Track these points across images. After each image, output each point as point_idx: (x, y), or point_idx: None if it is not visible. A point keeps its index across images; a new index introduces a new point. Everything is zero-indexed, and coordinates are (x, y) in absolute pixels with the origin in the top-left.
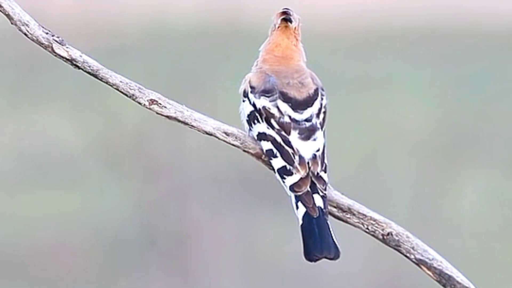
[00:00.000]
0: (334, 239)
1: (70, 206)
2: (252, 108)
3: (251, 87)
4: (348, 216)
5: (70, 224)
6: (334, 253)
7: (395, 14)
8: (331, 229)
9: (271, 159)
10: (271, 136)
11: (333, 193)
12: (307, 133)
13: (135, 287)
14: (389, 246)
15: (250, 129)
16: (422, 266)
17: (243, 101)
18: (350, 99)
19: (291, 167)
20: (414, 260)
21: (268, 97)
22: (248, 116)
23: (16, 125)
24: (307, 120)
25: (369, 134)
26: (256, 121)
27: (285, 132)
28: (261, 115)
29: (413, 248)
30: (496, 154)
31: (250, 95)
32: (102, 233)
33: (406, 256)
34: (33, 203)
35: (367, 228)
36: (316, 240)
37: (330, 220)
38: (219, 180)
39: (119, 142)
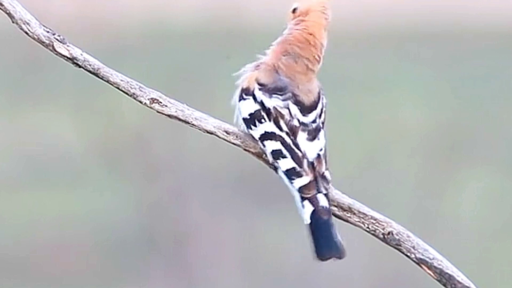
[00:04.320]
0: (339, 238)
1: (70, 206)
2: (257, 107)
3: (260, 84)
4: (348, 215)
5: (70, 224)
6: (341, 253)
7: (395, 14)
8: (336, 228)
9: (278, 159)
10: (280, 136)
11: (334, 192)
12: (313, 134)
13: (135, 287)
14: (390, 245)
15: (249, 129)
16: (423, 266)
17: (244, 99)
18: (350, 99)
19: (301, 170)
20: (414, 259)
21: (280, 95)
22: (251, 115)
23: (16, 125)
24: (313, 121)
25: (369, 134)
26: (263, 120)
27: (293, 135)
28: (269, 114)
29: (413, 247)
30: (496, 154)
31: (258, 93)
32: (102, 233)
33: (406, 255)
34: (33, 203)
35: (368, 227)
36: (324, 240)
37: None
38: (219, 180)
39: (119, 142)
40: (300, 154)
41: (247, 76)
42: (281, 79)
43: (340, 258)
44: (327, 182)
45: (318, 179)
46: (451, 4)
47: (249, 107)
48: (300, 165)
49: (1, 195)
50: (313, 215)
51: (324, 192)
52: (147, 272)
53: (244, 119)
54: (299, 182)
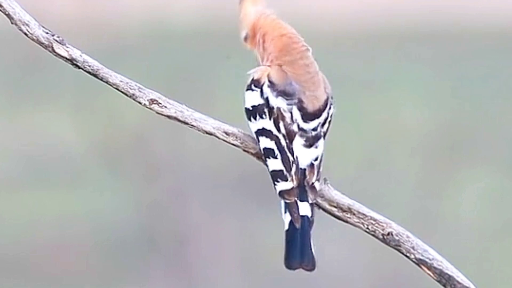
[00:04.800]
0: (313, 251)
1: (70, 206)
2: (262, 102)
3: (270, 82)
4: (348, 216)
5: (70, 224)
6: (311, 265)
7: (395, 14)
8: (311, 240)
9: (268, 157)
10: (276, 137)
11: (334, 193)
12: (312, 141)
13: (135, 287)
14: (389, 246)
15: (249, 120)
16: (422, 266)
17: (252, 90)
18: (350, 99)
19: (287, 174)
20: (414, 260)
21: (286, 99)
22: (254, 107)
23: (16, 125)
24: (314, 129)
25: (369, 134)
26: (263, 116)
27: (289, 139)
28: (271, 113)
29: (413, 248)
30: (496, 154)
31: (266, 89)
32: (102, 233)
33: (406, 256)
34: (33, 203)
35: (367, 228)
36: (297, 250)
37: (330, 220)
38: (219, 180)
39: (119, 142)
40: (291, 159)
41: (262, 69)
42: (291, 83)
43: (309, 270)
44: (316, 193)
45: (306, 188)
46: (451, 4)
47: (254, 99)
48: (288, 170)
49: (1, 195)
50: (291, 223)
51: (310, 201)
52: (147, 272)
53: (246, 109)
54: (281, 185)
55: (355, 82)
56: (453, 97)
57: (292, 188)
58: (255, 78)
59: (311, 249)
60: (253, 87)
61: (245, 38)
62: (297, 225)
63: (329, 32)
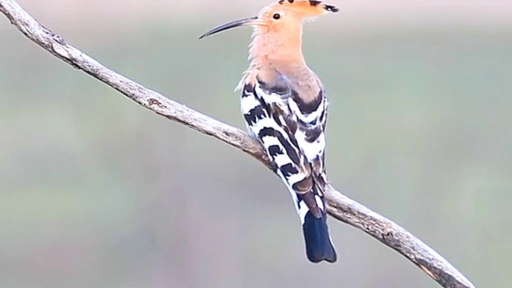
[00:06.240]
0: (331, 242)
1: (70, 206)
2: (258, 103)
3: (260, 82)
4: (348, 216)
5: (70, 224)
6: (333, 256)
7: (395, 14)
8: (329, 232)
9: (275, 155)
10: (278, 132)
11: (333, 193)
12: (313, 136)
13: (135, 287)
14: (389, 246)
15: (250, 125)
16: (422, 266)
17: (246, 96)
18: (350, 99)
19: (296, 166)
20: (414, 260)
21: (280, 94)
22: (251, 111)
23: (16, 125)
24: (312, 123)
25: (369, 134)
26: (262, 116)
27: (291, 131)
28: (269, 110)
29: (413, 248)
30: (496, 154)
31: (258, 90)
32: (102, 233)
33: (406, 256)
34: (33, 203)
35: (367, 228)
36: (318, 242)
37: (330, 220)
38: (219, 180)
39: (119, 142)
40: (297, 150)
41: (250, 73)
42: (282, 78)
43: (331, 261)
44: (324, 184)
45: (315, 179)
46: (452, 4)
47: (250, 103)
48: (296, 162)
49: (1, 195)
50: (308, 216)
51: (320, 194)
52: (147, 272)
53: (245, 115)
54: (294, 178)
55: (355, 82)
56: (453, 97)
57: (304, 179)
58: (246, 83)
59: (329, 241)
60: (246, 92)
61: (277, 17)
62: (317, 215)
63: (329, 32)
